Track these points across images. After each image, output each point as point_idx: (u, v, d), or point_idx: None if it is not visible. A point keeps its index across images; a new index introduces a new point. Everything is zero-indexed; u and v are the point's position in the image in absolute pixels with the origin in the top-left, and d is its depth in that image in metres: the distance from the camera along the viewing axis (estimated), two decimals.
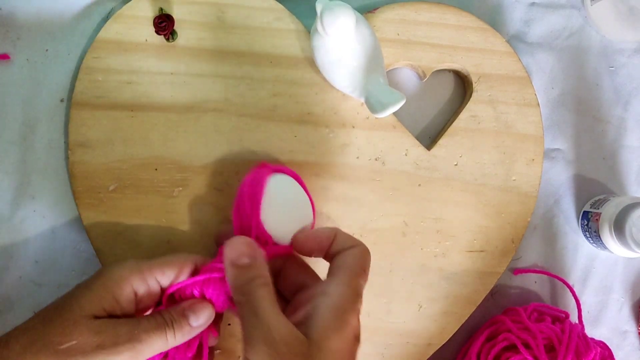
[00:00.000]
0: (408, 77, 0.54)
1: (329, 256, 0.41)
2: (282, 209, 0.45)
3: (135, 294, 0.41)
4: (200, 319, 0.41)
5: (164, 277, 0.42)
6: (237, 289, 0.38)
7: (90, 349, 0.38)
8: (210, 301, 0.42)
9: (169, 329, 0.40)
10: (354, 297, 0.38)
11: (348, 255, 0.39)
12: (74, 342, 0.38)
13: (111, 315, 0.40)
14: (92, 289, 0.40)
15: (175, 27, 0.49)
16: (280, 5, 0.51)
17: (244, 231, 0.44)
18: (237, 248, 0.40)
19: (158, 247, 0.49)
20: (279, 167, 0.47)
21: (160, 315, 0.40)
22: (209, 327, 0.43)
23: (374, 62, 0.47)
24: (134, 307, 0.41)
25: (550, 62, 0.55)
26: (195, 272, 0.43)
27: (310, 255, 0.42)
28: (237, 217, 0.44)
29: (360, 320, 0.50)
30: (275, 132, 0.50)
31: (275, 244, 0.44)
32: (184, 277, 0.42)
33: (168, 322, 0.40)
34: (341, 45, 0.46)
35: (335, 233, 0.41)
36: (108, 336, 0.38)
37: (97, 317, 0.39)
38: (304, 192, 0.47)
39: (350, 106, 0.51)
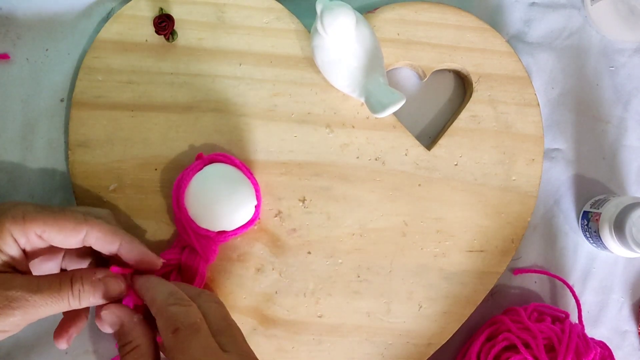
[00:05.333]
0: (408, 77, 0.54)
1: None
2: (212, 196, 0.46)
3: (18, 245, 0.40)
4: (111, 294, 0.41)
5: (46, 234, 0.40)
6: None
7: None
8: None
9: (72, 294, 0.40)
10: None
11: None
12: None
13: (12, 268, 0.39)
14: None
15: (175, 27, 0.49)
16: (280, 5, 0.51)
17: (178, 219, 0.47)
18: (111, 316, 0.41)
19: (158, 247, 0.49)
20: (214, 156, 0.48)
21: (63, 277, 0.40)
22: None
23: (374, 62, 0.47)
24: (24, 261, 0.41)
25: (550, 62, 0.55)
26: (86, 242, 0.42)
27: None
28: (174, 207, 0.47)
29: (360, 320, 0.50)
30: (275, 132, 0.50)
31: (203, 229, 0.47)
32: (71, 241, 0.41)
33: (74, 288, 0.40)
34: (341, 45, 0.46)
35: None
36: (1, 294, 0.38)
37: None
38: (243, 178, 0.48)
39: (350, 106, 0.51)
